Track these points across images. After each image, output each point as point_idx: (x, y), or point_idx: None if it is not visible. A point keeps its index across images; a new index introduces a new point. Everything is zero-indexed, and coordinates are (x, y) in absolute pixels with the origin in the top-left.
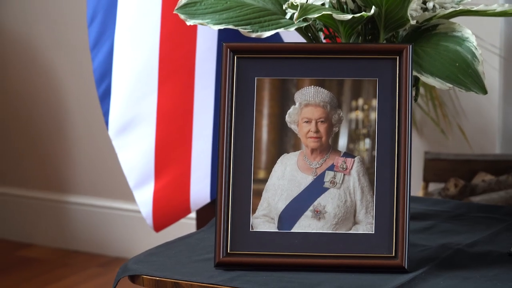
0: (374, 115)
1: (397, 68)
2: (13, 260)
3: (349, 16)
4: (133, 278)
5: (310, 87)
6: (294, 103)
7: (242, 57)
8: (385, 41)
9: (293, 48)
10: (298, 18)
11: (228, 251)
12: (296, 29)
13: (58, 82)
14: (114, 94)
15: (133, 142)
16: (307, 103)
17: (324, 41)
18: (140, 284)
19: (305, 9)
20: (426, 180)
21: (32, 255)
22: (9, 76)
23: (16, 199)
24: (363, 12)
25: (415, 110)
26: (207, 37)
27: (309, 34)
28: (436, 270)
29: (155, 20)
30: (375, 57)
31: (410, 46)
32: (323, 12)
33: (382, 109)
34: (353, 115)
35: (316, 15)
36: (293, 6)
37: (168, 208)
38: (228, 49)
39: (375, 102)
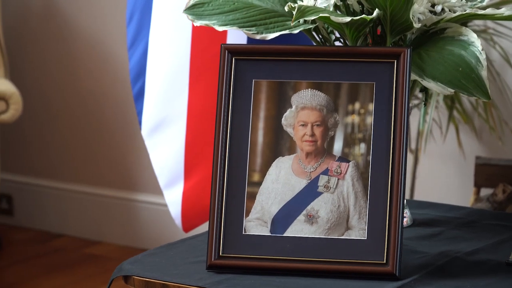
0: (370, 120)
1: (395, 72)
2: (80, 257)
3: (348, 19)
4: (126, 279)
5: (307, 90)
6: (290, 106)
7: (240, 59)
8: (391, 45)
9: (291, 50)
10: (295, 20)
11: (220, 253)
12: (304, 31)
13: (127, 81)
14: (148, 93)
15: (164, 142)
16: (303, 106)
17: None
18: (131, 284)
19: (303, 11)
20: (478, 185)
21: (99, 252)
22: (80, 76)
23: (85, 197)
24: (363, 15)
25: (473, 116)
26: (237, 38)
27: (320, 36)
28: (428, 278)
29: (187, 21)
30: (372, 60)
31: (408, 50)
32: (321, 14)
33: (379, 113)
34: (349, 119)
35: (313, 17)
36: (292, 8)
37: (197, 208)
38: (226, 51)
39: (371, 106)
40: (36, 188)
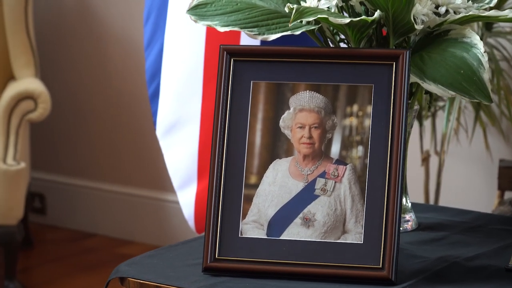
0: (368, 122)
1: (393, 74)
2: (111, 257)
3: (347, 20)
4: (122, 280)
5: (305, 91)
6: (288, 108)
7: (239, 60)
8: (395, 46)
9: (290, 52)
10: (292, 21)
11: (216, 256)
12: (307, 32)
13: None
14: (162, 94)
15: (178, 143)
16: (301, 108)
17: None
18: (127, 286)
19: (301, 12)
20: (501, 188)
21: (130, 252)
22: (112, 75)
23: (117, 196)
24: (363, 17)
25: (501, 118)
26: (250, 39)
27: (324, 37)
28: (424, 283)
29: None
30: (371, 62)
31: (407, 52)
32: (319, 15)
33: (377, 116)
34: (347, 121)
35: (311, 18)
36: (291, 9)
37: None
38: (225, 52)
39: (369, 109)
40: (69, 187)
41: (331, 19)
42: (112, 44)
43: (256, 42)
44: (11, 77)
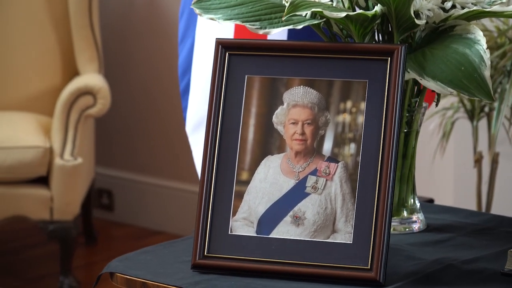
0: (361, 119)
1: (387, 70)
2: None
3: (343, 14)
4: (111, 276)
5: (299, 87)
6: (282, 103)
7: (234, 54)
8: (399, 42)
9: (285, 46)
10: (286, 14)
11: (205, 253)
12: (313, 26)
13: None
14: (192, 90)
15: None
16: (295, 104)
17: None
18: (115, 282)
19: (295, 6)
20: None
21: None
22: (173, 72)
23: (185, 194)
24: (361, 11)
25: None
26: (276, 36)
27: (331, 32)
28: (413, 285)
29: None
30: (366, 57)
31: (402, 47)
32: (313, 9)
33: (370, 112)
34: (340, 118)
35: (305, 11)
36: (287, 2)
37: None
38: (220, 45)
39: (363, 105)
40: (137, 184)
41: (326, 12)
42: (177, 42)
43: (283, 35)
44: (75, 72)
